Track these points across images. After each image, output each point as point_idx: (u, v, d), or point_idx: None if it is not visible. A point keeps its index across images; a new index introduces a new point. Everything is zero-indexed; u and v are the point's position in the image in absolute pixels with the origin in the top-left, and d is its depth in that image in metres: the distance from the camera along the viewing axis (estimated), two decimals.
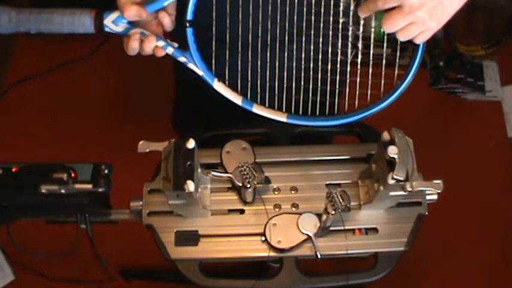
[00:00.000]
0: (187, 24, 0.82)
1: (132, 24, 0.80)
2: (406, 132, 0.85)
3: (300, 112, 0.90)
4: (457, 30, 2.01)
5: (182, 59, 0.85)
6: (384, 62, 0.85)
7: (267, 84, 0.89)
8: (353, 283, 0.88)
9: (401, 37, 0.78)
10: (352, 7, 0.83)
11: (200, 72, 0.86)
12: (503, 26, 2.03)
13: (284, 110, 0.90)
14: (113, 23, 0.79)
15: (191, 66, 0.85)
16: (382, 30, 0.78)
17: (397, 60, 0.85)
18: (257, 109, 0.89)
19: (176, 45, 0.83)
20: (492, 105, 1.99)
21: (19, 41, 2.07)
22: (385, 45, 0.84)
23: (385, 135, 0.84)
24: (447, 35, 2.01)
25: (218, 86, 0.88)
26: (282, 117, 0.89)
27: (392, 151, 0.81)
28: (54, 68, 1.99)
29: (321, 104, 0.90)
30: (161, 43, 0.81)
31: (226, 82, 0.88)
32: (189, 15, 0.81)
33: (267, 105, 0.90)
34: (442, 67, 2.00)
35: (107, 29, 0.80)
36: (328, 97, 0.89)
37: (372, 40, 0.85)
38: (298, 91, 0.90)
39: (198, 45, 0.84)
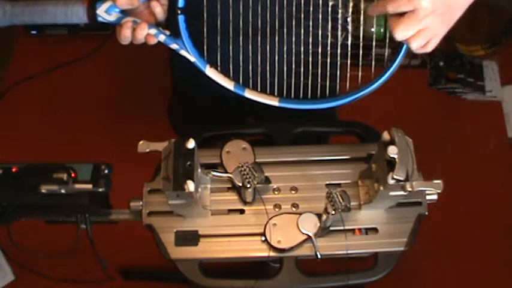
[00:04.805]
0: (179, 11, 0.82)
1: (125, 13, 0.81)
2: (406, 132, 0.84)
3: (292, 96, 0.90)
4: (457, 30, 2.01)
5: (174, 46, 0.85)
6: (374, 43, 0.85)
7: (259, 68, 0.89)
8: (353, 283, 0.88)
9: (415, 44, 0.75)
10: None
11: (192, 59, 0.86)
12: (504, 26, 2.03)
13: (276, 94, 0.89)
14: (105, 12, 0.80)
15: (183, 53, 0.85)
16: (382, 30, 0.78)
17: (387, 42, 0.85)
18: (249, 94, 0.89)
19: (168, 32, 0.84)
20: (492, 105, 1.99)
21: (19, 41, 2.07)
22: (374, 25, 0.83)
23: (385, 135, 0.84)
24: (447, 35, 2.01)
25: (210, 72, 0.87)
26: (274, 101, 0.89)
27: (392, 151, 0.81)
28: (54, 68, 1.99)
29: (312, 87, 0.90)
30: (153, 31, 0.82)
31: (219, 68, 0.88)
32: (181, 3, 0.82)
33: (259, 89, 0.89)
34: (442, 67, 2.00)
35: (99, 19, 0.80)
36: (319, 80, 0.89)
37: (362, 22, 0.85)
38: (290, 75, 0.90)
39: (189, 32, 0.84)
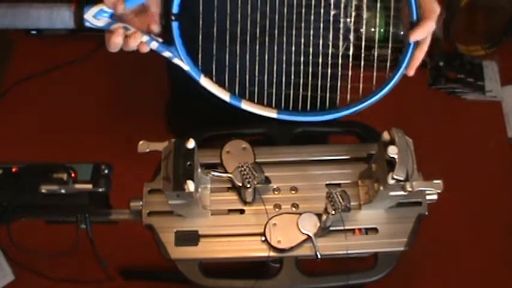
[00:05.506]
0: (173, 18, 0.80)
1: (115, 18, 0.77)
2: (406, 132, 0.84)
3: (291, 107, 0.87)
4: (457, 30, 2.01)
5: (167, 54, 0.82)
6: (375, 54, 0.84)
7: (256, 79, 0.86)
8: (353, 283, 0.88)
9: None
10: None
11: (186, 67, 0.83)
12: (503, 26, 2.03)
13: (274, 105, 0.87)
14: (94, 17, 0.76)
15: (176, 61, 0.83)
16: (382, 30, 0.78)
17: (389, 52, 0.84)
18: (246, 105, 0.86)
19: (161, 40, 0.81)
20: (492, 105, 1.99)
21: (19, 41, 2.07)
22: (376, 31, 0.82)
23: (385, 135, 0.84)
24: (447, 35, 2.01)
25: (205, 82, 0.85)
26: (272, 113, 0.87)
27: (392, 151, 0.81)
28: (54, 68, 1.99)
29: (312, 98, 0.87)
30: (145, 38, 0.79)
31: (213, 78, 0.85)
32: (175, 9, 0.79)
33: (256, 101, 0.87)
34: (442, 67, 2.00)
35: (87, 24, 0.77)
36: (319, 91, 0.87)
37: (364, 32, 0.84)
38: (289, 86, 0.87)
39: (184, 39, 0.81)
